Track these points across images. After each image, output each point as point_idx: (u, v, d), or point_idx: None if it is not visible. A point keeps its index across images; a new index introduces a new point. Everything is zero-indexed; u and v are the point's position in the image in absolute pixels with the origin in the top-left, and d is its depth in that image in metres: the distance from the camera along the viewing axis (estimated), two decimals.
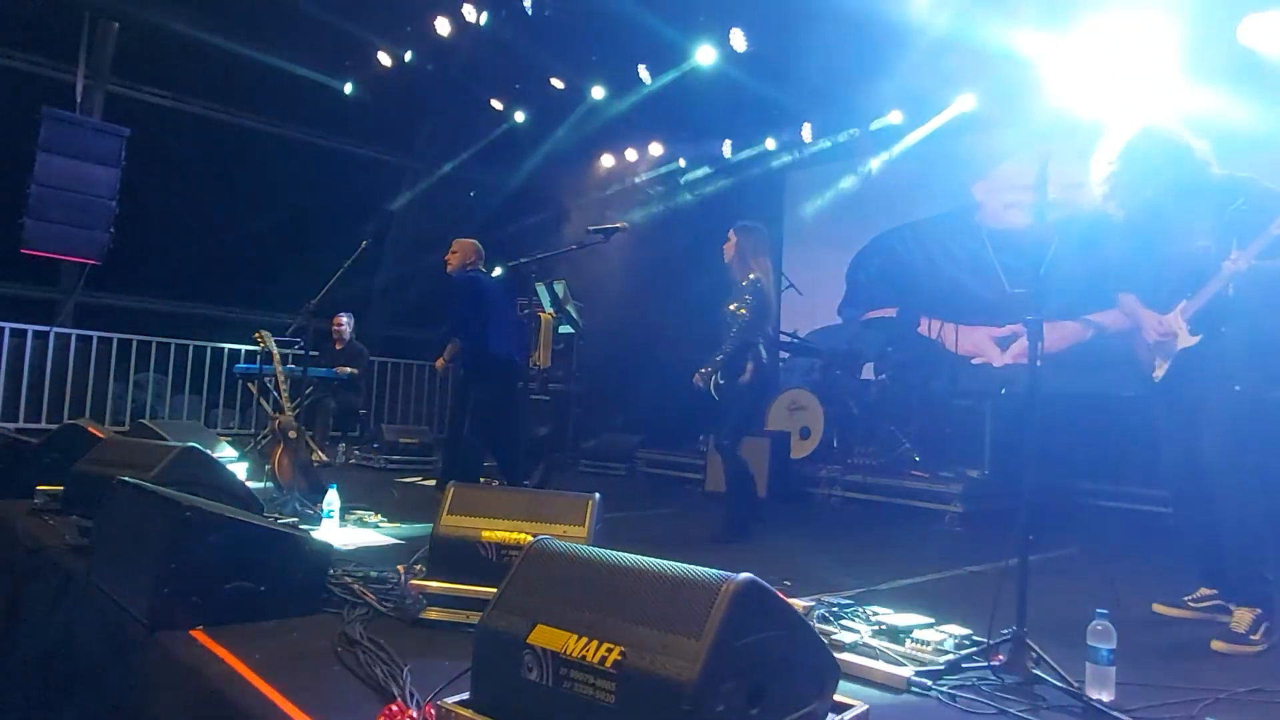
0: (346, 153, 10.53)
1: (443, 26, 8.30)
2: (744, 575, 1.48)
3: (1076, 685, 2.17)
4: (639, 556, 1.67)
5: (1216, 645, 2.81)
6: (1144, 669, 2.47)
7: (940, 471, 6.29)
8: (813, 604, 2.83)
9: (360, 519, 4.34)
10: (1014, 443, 6.69)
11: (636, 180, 10.84)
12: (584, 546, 1.82)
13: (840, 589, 3.34)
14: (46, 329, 8.06)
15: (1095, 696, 2.14)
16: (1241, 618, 2.84)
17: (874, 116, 8.71)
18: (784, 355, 8.81)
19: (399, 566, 2.90)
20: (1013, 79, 7.07)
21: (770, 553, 4.45)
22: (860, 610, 2.77)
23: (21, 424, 7.56)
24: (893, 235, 9.38)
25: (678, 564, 1.61)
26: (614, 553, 1.70)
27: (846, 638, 2.53)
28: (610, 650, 1.46)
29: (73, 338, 8.21)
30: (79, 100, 8.06)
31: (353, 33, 8.63)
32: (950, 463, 6.51)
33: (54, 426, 5.13)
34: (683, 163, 10.50)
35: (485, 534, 2.69)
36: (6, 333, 7.78)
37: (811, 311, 9.41)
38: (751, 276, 4.66)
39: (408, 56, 8.82)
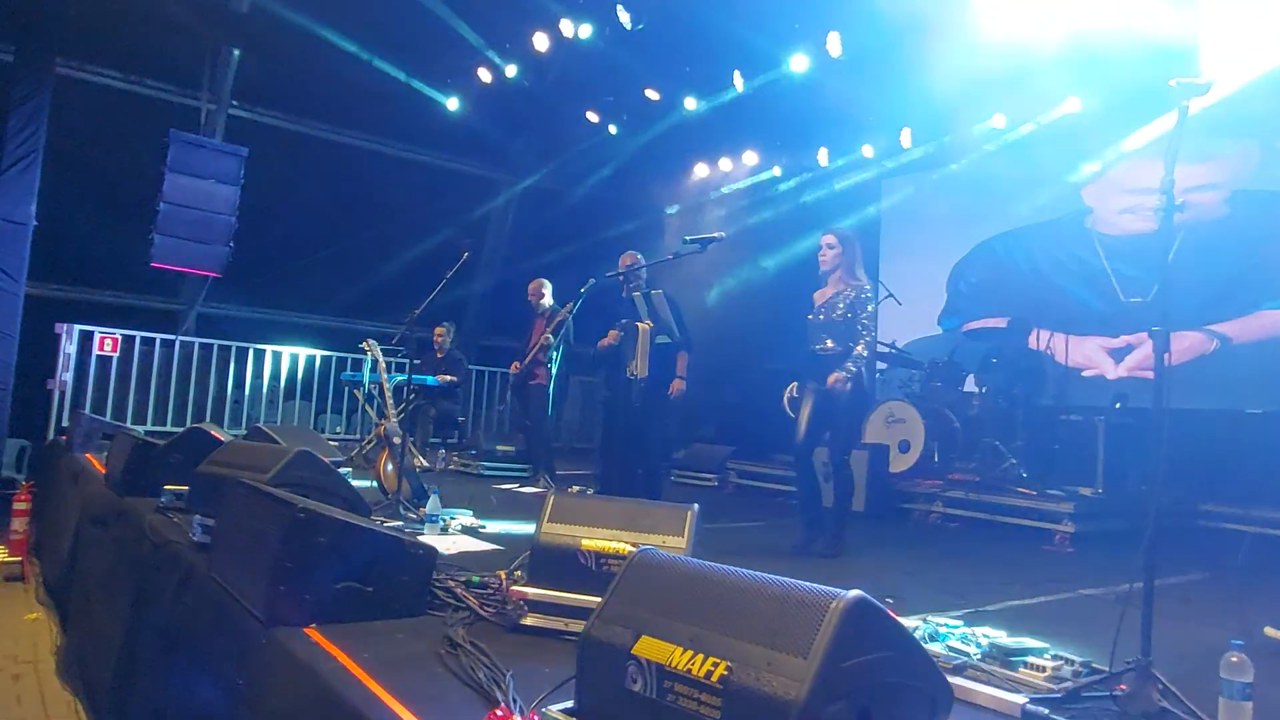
0: (446, 167, 10.89)
1: (541, 42, 8.47)
2: (854, 593, 1.44)
3: None
4: (744, 570, 1.65)
5: None
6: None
7: (1048, 489, 6.00)
8: (918, 624, 2.73)
9: (461, 524, 4.44)
10: (1129, 460, 6.34)
11: (731, 189, 10.81)
12: (687, 558, 1.81)
13: (945, 609, 3.22)
14: (172, 338, 8.61)
15: None
16: None
17: (975, 120, 8.44)
18: (881, 366, 8.60)
19: (499, 572, 2.94)
20: (1124, 79, 6.76)
21: (869, 569, 4.34)
22: (969, 631, 2.66)
23: (150, 426, 8.08)
24: (995, 242, 9.06)
25: (784, 579, 1.58)
26: (718, 565, 1.68)
27: (954, 660, 2.43)
28: (716, 665, 1.44)
29: (195, 346, 8.73)
30: (202, 123, 8.60)
31: (456, 51, 8.90)
32: (1059, 480, 6.21)
33: (179, 430, 5.43)
34: (778, 171, 10.43)
35: (585, 543, 2.70)
36: (137, 341, 8.34)
37: (910, 321, 9.15)
38: (868, 288, 4.55)
39: (510, 71, 9.03)
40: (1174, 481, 5.87)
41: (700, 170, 11.00)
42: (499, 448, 7.43)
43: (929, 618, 2.86)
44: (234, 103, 8.90)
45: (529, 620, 2.64)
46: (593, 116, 9.99)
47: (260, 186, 8.45)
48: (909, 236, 9.71)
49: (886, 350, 8.11)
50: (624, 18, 7.73)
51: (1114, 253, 7.92)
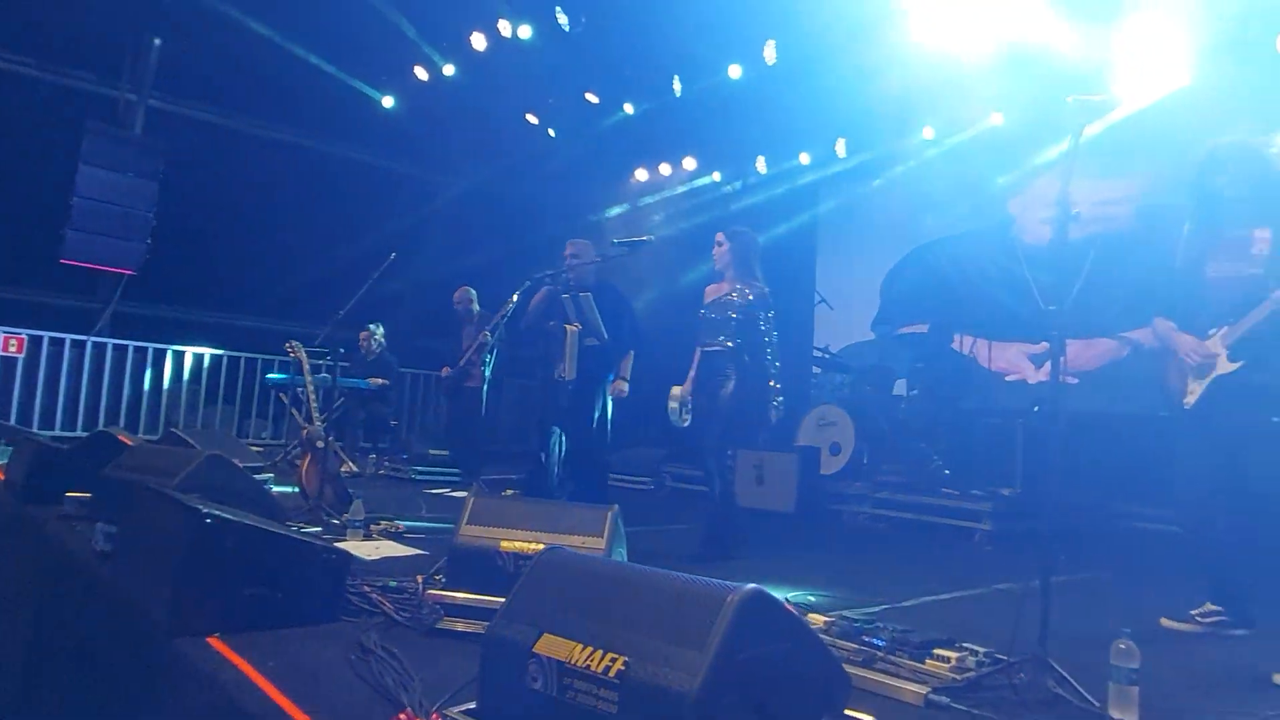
0: (379, 165, 10.70)
1: (479, 42, 8.40)
2: (750, 586, 1.45)
3: (1098, 705, 2.11)
4: (649, 567, 1.65)
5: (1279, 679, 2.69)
6: (1170, 690, 2.40)
7: (971, 489, 6.17)
8: (833, 619, 2.78)
9: (386, 529, 4.36)
10: (1046, 461, 6.56)
11: (669, 195, 10.87)
12: (594, 556, 1.81)
13: (864, 606, 3.29)
14: (84, 338, 8.26)
15: (1117, 717, 2.07)
16: None
17: (908, 131, 8.65)
18: (815, 370, 8.75)
19: (418, 576, 2.90)
20: (1046, 97, 7.01)
21: (796, 568, 4.39)
22: (881, 626, 2.71)
23: (58, 431, 7.74)
24: (927, 250, 9.27)
25: (687, 575, 1.59)
26: (624, 563, 1.68)
27: (865, 654, 2.48)
28: (614, 660, 1.44)
29: (109, 347, 8.39)
30: (120, 114, 8.29)
31: (391, 48, 8.77)
32: (982, 481, 6.39)
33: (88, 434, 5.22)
34: (717, 177, 10.51)
35: (504, 544, 2.68)
36: (45, 341, 7.98)
37: (846, 327, 9.33)
38: (766, 290, 4.46)
39: (448, 70, 8.93)
40: (1089, 481, 6.10)
41: (640, 175, 11.04)
42: (431, 451, 7.33)
43: (845, 614, 2.92)
44: (154, 94, 8.60)
45: (446, 624, 2.61)
46: (532, 118, 9.95)
47: (182, 181, 8.18)
48: (845, 243, 9.89)
49: (820, 355, 8.25)
50: (562, 19, 7.72)
51: (1035, 261, 8.15)
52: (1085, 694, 2.16)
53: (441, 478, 7.18)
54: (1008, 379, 8.17)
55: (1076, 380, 7.87)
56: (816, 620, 2.80)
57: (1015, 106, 7.86)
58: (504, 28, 8.15)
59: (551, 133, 10.07)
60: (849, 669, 2.38)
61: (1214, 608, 3.26)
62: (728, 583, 1.49)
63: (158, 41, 8.26)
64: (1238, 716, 2.23)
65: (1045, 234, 9.23)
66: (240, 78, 8.81)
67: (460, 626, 2.59)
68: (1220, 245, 3.19)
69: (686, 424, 4.40)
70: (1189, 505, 3.34)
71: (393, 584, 2.99)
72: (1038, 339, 8.06)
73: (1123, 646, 2.14)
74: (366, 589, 2.90)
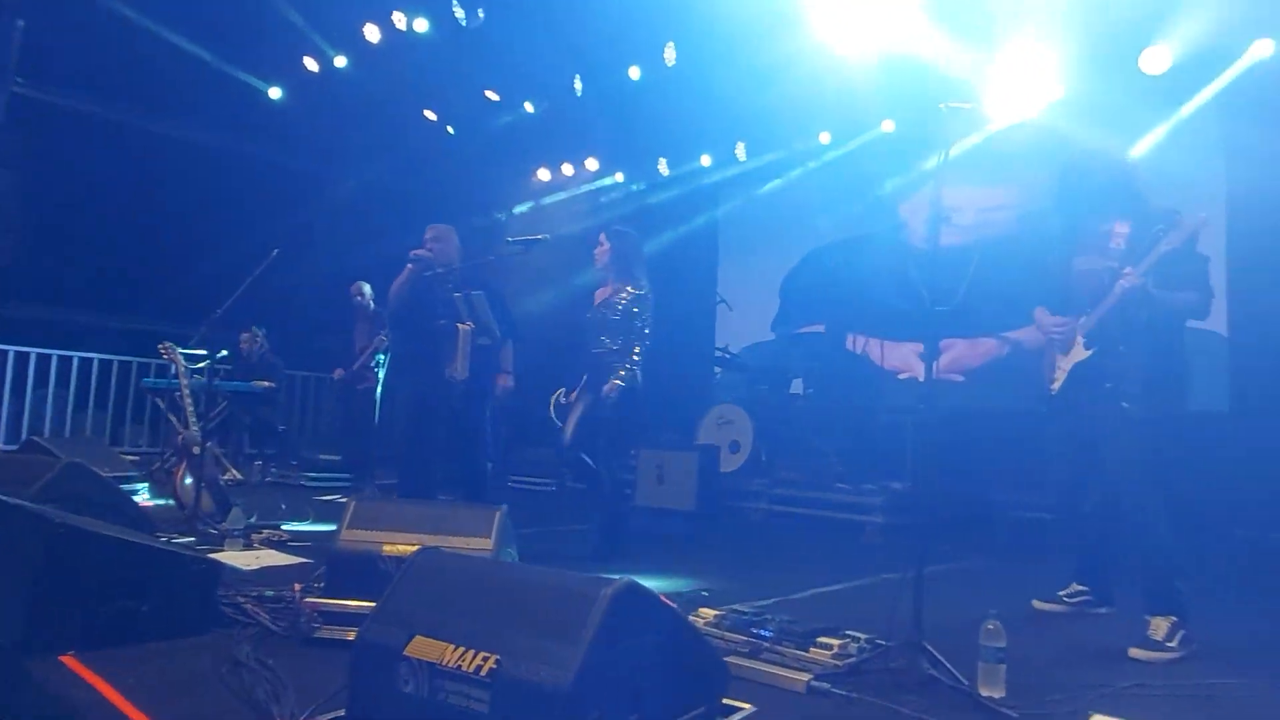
0: (266, 159, 10.25)
1: (372, 34, 8.17)
2: (624, 579, 1.45)
3: (967, 684, 2.20)
4: (525, 565, 1.63)
5: (1135, 653, 2.84)
6: (1036, 666, 2.52)
7: (864, 484, 6.37)
8: (723, 613, 2.81)
9: (269, 538, 4.18)
10: (934, 456, 6.83)
11: (573, 194, 10.83)
12: (471, 555, 1.77)
13: (756, 599, 3.34)
14: None
15: (986, 694, 2.17)
16: (1158, 626, 2.91)
17: (805, 136, 8.86)
18: (716, 370, 8.86)
19: (296, 585, 2.79)
20: (931, 106, 7.30)
21: (693, 565, 4.43)
22: (770, 618, 2.76)
23: None
24: (824, 253, 9.53)
25: (564, 571, 1.57)
26: (500, 561, 1.65)
27: (753, 645, 2.51)
28: (486, 659, 1.41)
29: None
30: None
31: (278, 37, 8.43)
32: (875, 476, 6.60)
33: None
34: (620, 177, 10.52)
35: (387, 547, 2.60)
36: None
37: (747, 328, 9.49)
38: (644, 290, 4.43)
39: (339, 62, 8.66)
40: (974, 474, 6.37)
41: (542, 174, 10.96)
42: (322, 456, 7.08)
43: (736, 607, 2.95)
44: (19, 79, 8.01)
45: (325, 633, 2.52)
46: (430, 114, 9.75)
47: (49, 173, 7.64)
48: (745, 245, 10.06)
49: (720, 355, 8.37)
50: (459, 14, 7.59)
51: (924, 264, 8.53)
52: (957, 674, 2.24)
53: (332, 483, 6.95)
54: (900, 377, 8.46)
55: (962, 378, 8.23)
56: (707, 614, 2.82)
57: (905, 114, 8.16)
58: (399, 20, 7.96)
59: (450, 129, 9.89)
60: (737, 660, 2.43)
61: (1080, 588, 3.47)
62: (603, 577, 1.48)
63: (21, 23, 7.70)
64: (1093, 688, 2.36)
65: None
66: (115, 65, 8.28)
67: (340, 634, 2.49)
68: (1085, 241, 3.36)
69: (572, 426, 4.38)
70: (1057, 490, 3.53)
71: (269, 593, 2.86)
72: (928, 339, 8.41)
73: (990, 627, 2.24)
74: (241, 600, 2.77)
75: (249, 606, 2.70)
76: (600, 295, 4.56)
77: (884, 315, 8.25)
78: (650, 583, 2.39)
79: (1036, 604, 3.52)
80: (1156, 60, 6.41)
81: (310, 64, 8.72)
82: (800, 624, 2.71)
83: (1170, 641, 2.86)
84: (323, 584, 2.71)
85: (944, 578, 4.01)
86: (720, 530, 6.02)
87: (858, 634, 2.56)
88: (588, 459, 4.41)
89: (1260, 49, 6.16)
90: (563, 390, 4.53)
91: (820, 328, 8.07)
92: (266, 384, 7.28)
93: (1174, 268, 3.03)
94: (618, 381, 4.25)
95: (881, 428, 7.08)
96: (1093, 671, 2.62)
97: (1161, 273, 3.03)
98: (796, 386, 7.87)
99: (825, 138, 8.79)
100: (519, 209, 11.23)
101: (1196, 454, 5.93)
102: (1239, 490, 5.62)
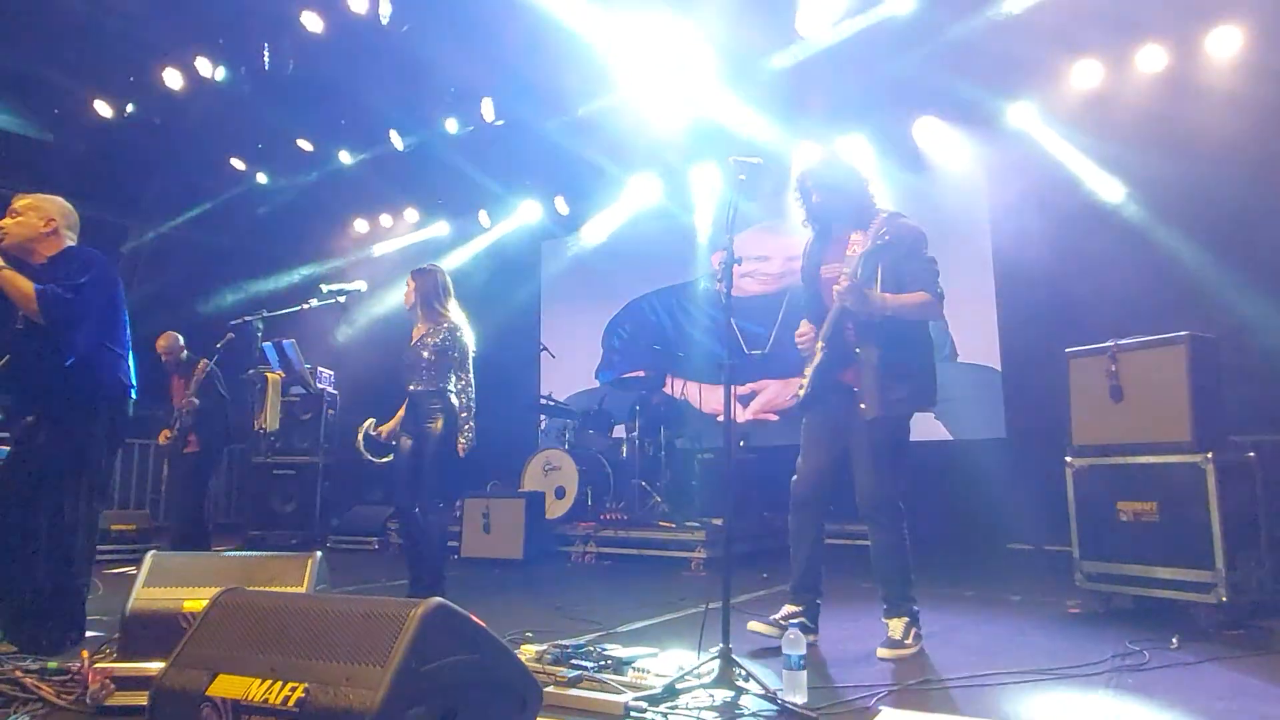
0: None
1: (173, 79, 7.80)
2: (434, 600, 1.50)
3: (774, 691, 2.37)
4: (337, 595, 1.63)
5: (881, 653, 3.14)
6: (835, 673, 2.75)
7: (687, 521, 6.60)
8: (545, 648, 2.86)
9: None
10: (752, 491, 7.20)
11: (393, 245, 10.65)
12: (277, 591, 1.75)
13: (580, 634, 3.40)
14: None
15: (790, 700, 2.34)
16: (896, 627, 3.23)
17: (625, 189, 9.24)
18: (541, 419, 8.93)
19: (83, 652, 2.58)
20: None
21: (519, 609, 4.44)
22: (590, 649, 2.84)
23: None
24: (643, 302, 9.91)
25: (375, 598, 1.59)
26: (307, 594, 1.65)
27: (572, 674, 2.58)
28: (294, 689, 1.41)
29: None
30: None
31: (62, 81, 7.86)
32: (697, 513, 6.85)
33: None
34: (447, 229, 10.46)
35: (188, 604, 2.47)
36: None
37: (570, 375, 9.67)
38: (453, 325, 4.47)
39: (129, 109, 8.17)
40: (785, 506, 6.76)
41: (360, 225, 10.74)
42: (114, 527, 6.46)
43: (559, 642, 3.01)
44: None
45: (118, 699, 2.35)
46: (238, 163, 9.35)
47: None
48: (567, 295, 10.29)
49: (545, 402, 8.46)
50: (264, 58, 7.40)
51: (739, 311, 9.07)
52: (763, 682, 2.41)
53: (124, 555, 6.36)
54: (719, 419, 8.88)
55: (777, 417, 8.75)
56: (530, 651, 2.86)
57: (710, 168, 8.73)
58: (203, 67, 7.65)
59: (262, 178, 9.52)
60: (558, 690, 2.49)
61: (794, 609, 3.34)
62: (413, 599, 1.53)
63: None
64: (886, 687, 2.60)
65: (746, 286, 10.25)
66: None
67: (136, 700, 2.33)
68: (829, 248, 3.54)
69: (383, 459, 4.33)
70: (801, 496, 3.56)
71: (52, 665, 2.62)
72: (744, 381, 8.88)
73: (791, 637, 2.44)
74: (18, 674, 2.53)
75: (29, 682, 2.47)
76: (415, 335, 4.59)
77: (702, 360, 8.66)
78: None
79: (752, 626, 3.24)
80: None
81: (103, 109, 8.19)
82: (621, 653, 2.81)
83: (907, 639, 3.19)
84: (112, 649, 2.52)
85: (760, 602, 4.26)
86: (547, 575, 6.04)
87: (676, 656, 2.69)
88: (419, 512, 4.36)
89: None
90: (373, 421, 4.47)
91: (642, 373, 8.35)
92: None
93: (902, 270, 3.25)
94: (439, 417, 4.28)
95: (703, 466, 7.37)
96: (886, 674, 2.87)
97: (892, 276, 3.25)
98: (620, 431, 8.07)
99: (642, 189, 9.21)
100: (332, 262, 10.87)
101: (980, 475, 6.66)
102: (1016, 508, 6.32)
